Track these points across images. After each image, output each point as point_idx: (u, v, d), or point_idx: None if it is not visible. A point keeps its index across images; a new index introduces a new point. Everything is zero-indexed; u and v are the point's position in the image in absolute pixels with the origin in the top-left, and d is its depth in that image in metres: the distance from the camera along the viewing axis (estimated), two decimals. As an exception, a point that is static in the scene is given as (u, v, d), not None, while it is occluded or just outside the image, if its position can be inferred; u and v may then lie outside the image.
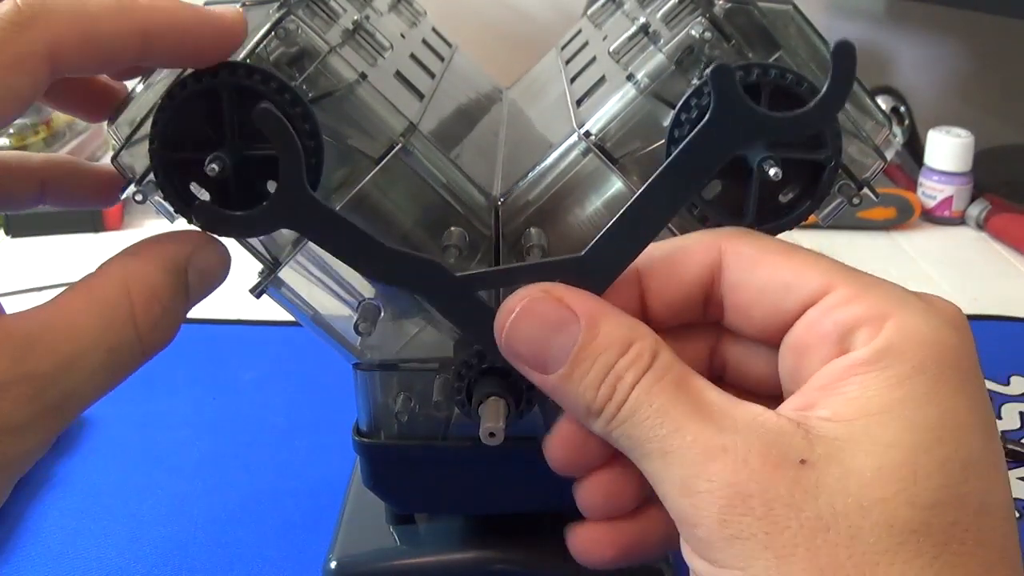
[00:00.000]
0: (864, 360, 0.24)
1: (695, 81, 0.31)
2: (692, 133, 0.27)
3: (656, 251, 0.28)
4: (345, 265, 0.29)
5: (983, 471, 0.23)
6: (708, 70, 0.27)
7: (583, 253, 0.28)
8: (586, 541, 0.29)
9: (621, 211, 0.27)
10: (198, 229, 0.28)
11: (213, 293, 0.29)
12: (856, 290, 0.25)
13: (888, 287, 0.26)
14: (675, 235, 0.32)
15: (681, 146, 0.27)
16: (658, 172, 0.27)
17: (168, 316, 0.26)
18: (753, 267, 0.27)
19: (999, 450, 0.24)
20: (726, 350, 0.29)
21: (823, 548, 0.22)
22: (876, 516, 0.22)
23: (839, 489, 0.22)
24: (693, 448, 0.24)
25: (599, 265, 0.28)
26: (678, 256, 0.28)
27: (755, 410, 0.24)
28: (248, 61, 0.29)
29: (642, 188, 0.27)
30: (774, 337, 0.27)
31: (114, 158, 0.29)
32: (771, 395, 0.27)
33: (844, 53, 0.26)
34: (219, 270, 0.28)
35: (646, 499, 0.29)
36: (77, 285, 0.25)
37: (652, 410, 0.25)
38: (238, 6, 0.31)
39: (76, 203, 0.33)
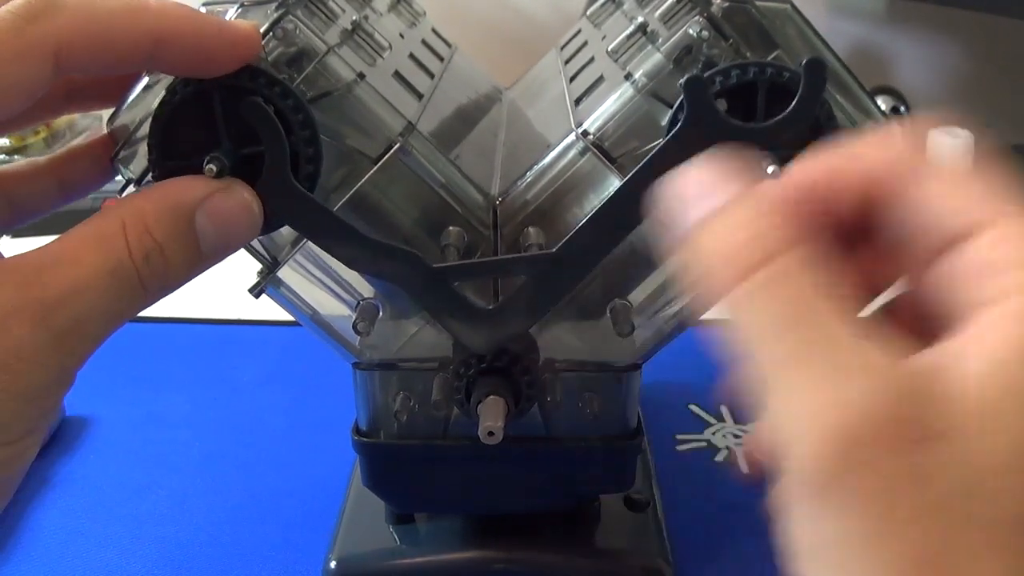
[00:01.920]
0: None
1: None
2: (664, 140, 0.28)
3: (820, 160, 0.25)
4: (343, 264, 0.29)
5: None
6: (681, 81, 0.27)
7: (555, 249, 0.29)
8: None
9: (595, 208, 0.28)
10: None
11: (213, 292, 0.28)
12: None
13: None
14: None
15: (653, 152, 0.28)
16: (631, 175, 0.28)
17: (164, 253, 0.25)
18: (920, 183, 0.24)
19: None
20: (882, 279, 0.26)
21: (934, 531, 0.20)
22: (1001, 505, 0.20)
23: (970, 467, 0.20)
24: (811, 389, 0.21)
25: (571, 261, 0.29)
26: (844, 164, 0.25)
27: (890, 357, 0.21)
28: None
29: (615, 189, 0.28)
30: (935, 269, 0.24)
31: (114, 158, 0.29)
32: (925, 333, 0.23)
33: (814, 69, 0.27)
34: (237, 216, 0.27)
35: None
36: (83, 221, 0.25)
37: (787, 296, 0.21)
38: (236, 7, 0.31)
39: (91, 184, 0.32)
